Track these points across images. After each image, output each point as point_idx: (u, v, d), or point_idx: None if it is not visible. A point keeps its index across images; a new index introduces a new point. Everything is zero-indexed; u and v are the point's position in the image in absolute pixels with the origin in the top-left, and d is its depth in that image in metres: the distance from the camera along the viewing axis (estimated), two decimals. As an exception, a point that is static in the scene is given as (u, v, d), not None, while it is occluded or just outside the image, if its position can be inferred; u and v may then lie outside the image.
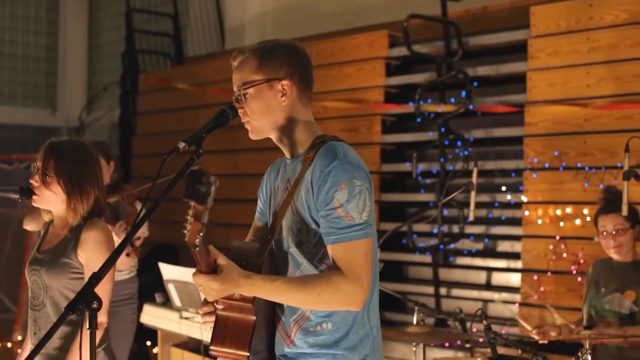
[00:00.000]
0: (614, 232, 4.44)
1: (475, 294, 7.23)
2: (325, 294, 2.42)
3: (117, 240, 4.56)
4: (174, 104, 9.81)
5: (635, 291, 4.38)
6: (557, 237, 6.48)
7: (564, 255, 6.45)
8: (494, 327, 6.71)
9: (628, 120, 6.19)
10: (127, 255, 4.60)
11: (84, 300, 2.16)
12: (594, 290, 4.57)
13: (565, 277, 6.42)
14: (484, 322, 3.69)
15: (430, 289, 7.37)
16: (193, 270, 2.41)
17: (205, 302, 2.63)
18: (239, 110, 2.62)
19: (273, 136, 2.69)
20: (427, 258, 7.45)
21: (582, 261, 6.28)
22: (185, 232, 2.22)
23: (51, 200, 3.42)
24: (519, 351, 3.51)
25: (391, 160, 7.86)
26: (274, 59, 2.64)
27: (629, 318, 4.35)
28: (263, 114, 2.62)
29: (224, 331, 2.53)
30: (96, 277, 2.20)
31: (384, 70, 7.86)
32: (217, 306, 2.56)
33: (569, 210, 6.45)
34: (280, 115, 2.64)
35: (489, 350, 5.16)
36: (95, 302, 2.17)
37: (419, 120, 7.46)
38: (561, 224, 6.48)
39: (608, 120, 6.30)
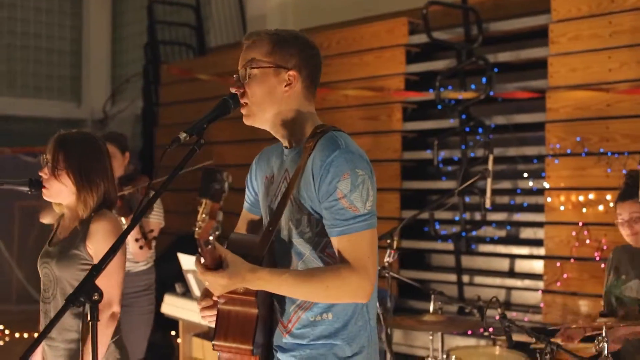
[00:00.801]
0: (630, 220, 4.39)
1: (498, 281, 7.19)
2: (333, 287, 2.41)
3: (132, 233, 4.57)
4: (195, 94, 9.82)
5: (655, 278, 4.32)
6: (580, 224, 6.43)
7: (587, 241, 6.40)
8: (517, 315, 6.76)
9: (650, 105, 6.13)
10: (141, 248, 4.60)
11: (84, 292, 2.15)
12: (614, 277, 4.52)
13: (588, 263, 6.36)
14: (499, 310, 3.65)
15: (452, 277, 7.34)
16: None
17: (204, 296, 2.62)
18: (238, 90, 2.59)
19: (269, 126, 2.65)
20: (450, 246, 7.42)
21: (605, 247, 6.22)
22: (197, 229, 2.20)
23: (61, 193, 3.42)
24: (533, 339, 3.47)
25: (412, 148, 7.82)
26: (287, 48, 2.62)
27: (648, 305, 4.30)
28: (263, 98, 2.58)
29: (226, 325, 2.50)
30: (96, 269, 2.19)
31: (404, 57, 7.82)
32: (218, 300, 2.55)
33: (591, 196, 6.39)
34: (279, 105, 2.61)
35: (518, 337, 5.14)
36: (96, 294, 2.17)
37: (439, 107, 7.41)
38: (584, 210, 6.43)
39: (630, 105, 6.23)
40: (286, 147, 2.68)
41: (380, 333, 4.26)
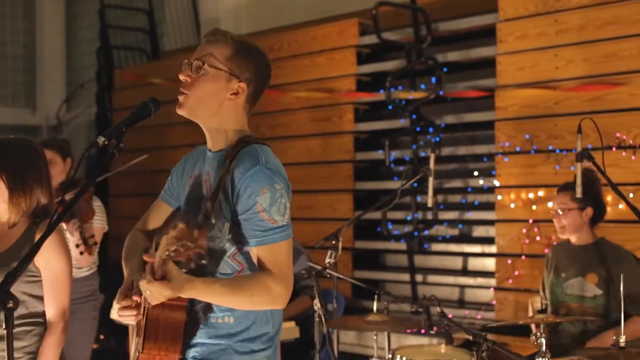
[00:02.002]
0: (557, 211, 4.43)
1: (451, 279, 7.23)
2: (257, 295, 2.52)
3: (70, 238, 4.53)
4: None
5: (597, 273, 4.35)
6: (530, 221, 6.48)
7: (537, 238, 6.44)
8: (470, 313, 6.79)
9: (597, 102, 6.18)
10: (81, 254, 4.56)
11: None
12: (554, 276, 4.55)
13: (539, 260, 6.39)
14: (438, 308, 3.67)
15: (406, 276, 7.36)
16: None
17: (124, 296, 2.63)
18: (186, 78, 2.62)
19: (202, 123, 2.69)
20: (402, 245, 7.44)
21: (555, 244, 6.26)
22: (170, 252, 2.30)
23: None
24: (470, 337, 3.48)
25: (364, 148, 7.84)
26: (245, 60, 2.68)
27: (592, 301, 4.32)
28: (207, 96, 2.62)
29: (155, 329, 2.53)
30: (11, 276, 2.17)
31: (355, 58, 7.83)
32: (147, 303, 2.55)
33: (541, 193, 6.44)
34: (218, 109, 2.65)
35: (465, 335, 5.16)
36: (10, 301, 2.14)
37: (390, 107, 7.44)
38: (534, 207, 6.47)
39: (578, 102, 6.28)
40: (210, 150, 2.69)
41: (322, 334, 4.26)
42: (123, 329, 6.67)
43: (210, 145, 2.71)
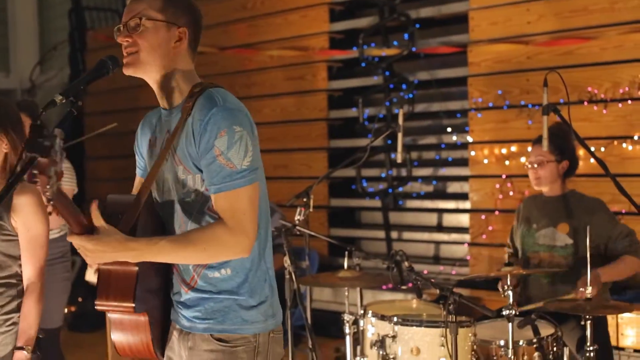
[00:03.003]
0: (534, 163, 4.45)
1: (425, 236, 7.27)
2: (210, 249, 2.44)
3: (40, 199, 4.50)
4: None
5: (568, 223, 4.39)
6: (504, 176, 6.51)
7: (511, 193, 6.49)
8: (445, 268, 6.84)
9: (569, 56, 6.19)
10: (49, 214, 4.52)
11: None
12: (525, 227, 4.58)
13: (513, 215, 6.39)
14: (406, 263, 3.68)
15: (381, 233, 7.39)
16: None
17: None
18: (126, 40, 2.57)
19: (153, 80, 2.63)
20: (377, 203, 7.46)
21: (526, 197, 6.29)
22: (43, 190, 2.17)
23: None
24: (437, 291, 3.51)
25: (338, 106, 7.83)
26: (178, 6, 2.62)
27: (563, 250, 4.37)
28: (154, 49, 2.56)
29: (107, 285, 2.48)
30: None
31: (327, 16, 7.79)
32: None
33: (514, 148, 6.47)
34: (166, 59, 2.59)
35: (436, 291, 5.20)
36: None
37: (363, 65, 7.42)
38: (507, 162, 6.51)
39: (549, 57, 6.29)
40: (164, 109, 2.66)
41: (293, 291, 4.28)
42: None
43: (164, 103, 2.66)
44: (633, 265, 4.23)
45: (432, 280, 3.59)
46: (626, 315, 5.22)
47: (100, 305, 2.49)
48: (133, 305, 2.44)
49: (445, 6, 7.13)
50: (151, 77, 2.62)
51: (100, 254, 2.36)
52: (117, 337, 2.60)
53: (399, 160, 4.45)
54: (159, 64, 2.59)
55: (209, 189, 2.49)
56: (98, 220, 2.32)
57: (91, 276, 6.05)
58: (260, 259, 2.61)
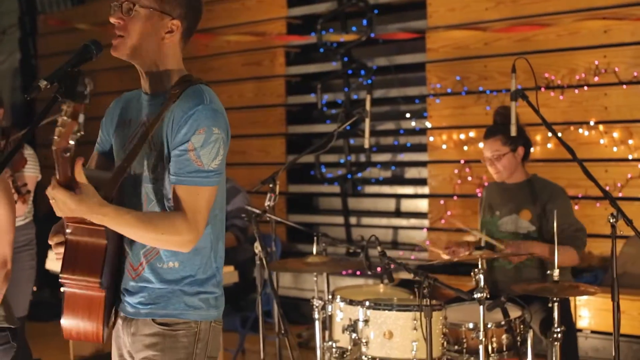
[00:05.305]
0: (492, 158, 4.49)
1: (384, 221, 7.31)
2: (166, 234, 2.46)
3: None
4: (75, 45, 9.41)
5: (529, 210, 4.44)
6: (462, 161, 6.57)
7: (469, 178, 6.56)
8: (404, 254, 6.89)
9: (526, 43, 6.26)
10: (15, 202, 4.47)
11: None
12: (489, 214, 4.63)
13: (471, 200, 6.51)
14: (379, 248, 3.71)
15: (340, 219, 7.43)
16: None
17: (56, 232, 2.55)
18: (118, 21, 2.54)
19: (140, 65, 2.61)
20: (336, 188, 7.49)
21: (486, 184, 6.36)
22: (55, 137, 2.11)
23: None
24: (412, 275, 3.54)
25: (296, 92, 7.83)
26: None
27: (525, 237, 4.42)
28: (142, 37, 2.55)
29: (74, 257, 2.43)
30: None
31: (285, 1, 7.78)
32: (66, 230, 2.47)
33: (472, 134, 6.53)
34: (155, 48, 2.59)
35: (400, 275, 5.22)
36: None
37: (321, 50, 7.42)
38: (465, 148, 6.57)
39: (507, 43, 6.36)
40: (146, 93, 2.64)
41: (263, 277, 4.29)
42: (57, 280, 6.62)
43: (147, 88, 2.64)
44: (571, 257, 4.29)
45: (404, 264, 3.61)
46: (582, 297, 5.33)
47: (64, 277, 2.44)
48: (99, 280, 2.42)
49: (404, -8, 7.17)
50: (137, 62, 2.60)
51: (75, 211, 2.32)
52: (66, 317, 2.52)
53: (367, 146, 4.47)
54: (146, 52, 2.57)
55: (170, 178, 2.50)
56: (81, 177, 2.29)
57: (52, 264, 5.97)
58: (210, 257, 2.63)
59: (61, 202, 2.30)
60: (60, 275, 2.45)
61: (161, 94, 2.60)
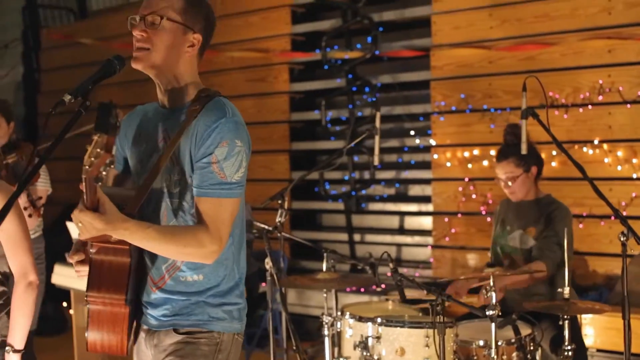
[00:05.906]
0: (506, 180, 4.51)
1: (388, 238, 7.32)
2: (189, 247, 2.47)
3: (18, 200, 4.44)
4: (78, 59, 9.57)
5: (535, 227, 4.46)
6: (466, 179, 6.59)
7: (473, 196, 6.56)
8: (408, 271, 6.89)
9: (531, 61, 6.29)
10: (30, 216, 4.49)
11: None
12: (500, 229, 4.65)
13: (475, 217, 6.53)
14: (391, 265, 3.71)
15: (344, 236, 7.43)
16: None
17: (76, 251, 2.57)
18: (142, 34, 2.56)
19: (159, 78, 2.63)
20: (340, 205, 7.50)
21: (490, 202, 6.39)
22: (86, 166, 2.15)
23: None
24: (425, 292, 3.55)
25: (300, 108, 7.85)
26: (197, 11, 2.64)
27: (528, 253, 4.44)
28: (167, 50, 2.57)
29: (99, 275, 2.48)
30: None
31: (289, 18, 7.81)
32: (90, 250, 2.50)
33: (476, 152, 6.55)
34: (177, 62, 2.61)
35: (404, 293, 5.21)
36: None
37: (326, 67, 7.45)
38: (469, 165, 6.58)
39: (511, 62, 6.38)
40: (164, 107, 2.66)
41: (275, 294, 4.29)
42: (61, 294, 6.61)
43: (165, 101, 2.66)
44: (538, 269, 4.24)
45: (419, 282, 3.62)
46: (587, 315, 5.33)
47: (91, 295, 2.49)
48: (125, 297, 2.47)
49: (408, 10, 7.20)
50: (158, 74, 2.62)
51: (101, 230, 2.34)
52: (91, 331, 2.57)
53: (376, 163, 4.48)
54: (169, 65, 2.59)
55: (195, 191, 2.52)
56: (104, 197, 2.32)
57: (58, 279, 5.94)
58: (233, 269, 2.66)
59: (88, 224, 2.32)
60: (87, 294, 2.49)
61: (179, 108, 2.62)
